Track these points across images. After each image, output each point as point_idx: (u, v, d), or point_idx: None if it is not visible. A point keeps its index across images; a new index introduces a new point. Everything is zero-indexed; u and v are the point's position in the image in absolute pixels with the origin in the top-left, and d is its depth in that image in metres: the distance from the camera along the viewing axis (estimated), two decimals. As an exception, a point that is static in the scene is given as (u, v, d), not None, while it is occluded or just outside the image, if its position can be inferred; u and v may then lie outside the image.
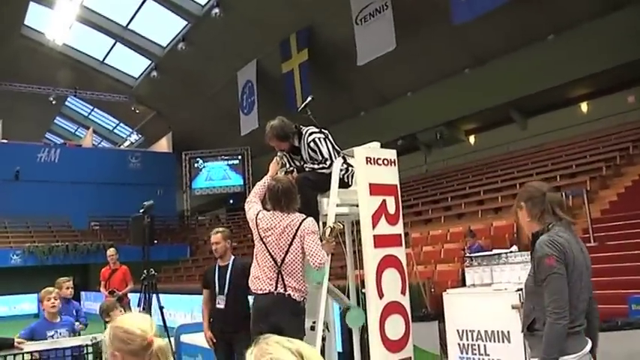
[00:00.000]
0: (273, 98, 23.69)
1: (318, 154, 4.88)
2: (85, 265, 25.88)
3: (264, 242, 4.41)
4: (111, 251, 10.67)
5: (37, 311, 17.56)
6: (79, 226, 30.46)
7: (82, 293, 19.75)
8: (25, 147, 32.13)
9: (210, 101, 28.31)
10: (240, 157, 32.36)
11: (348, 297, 5.39)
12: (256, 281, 4.42)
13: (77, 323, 6.65)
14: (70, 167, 30.71)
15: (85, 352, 5.43)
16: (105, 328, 6.68)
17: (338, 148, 4.97)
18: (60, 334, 5.57)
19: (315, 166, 4.87)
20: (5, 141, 32.03)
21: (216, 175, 32.71)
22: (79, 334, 6.17)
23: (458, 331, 4.92)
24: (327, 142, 4.95)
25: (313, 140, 4.92)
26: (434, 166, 22.52)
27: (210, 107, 28.70)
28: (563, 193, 12.78)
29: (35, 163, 30.83)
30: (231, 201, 34.08)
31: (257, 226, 4.51)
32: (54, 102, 33.34)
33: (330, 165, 4.82)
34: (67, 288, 7.58)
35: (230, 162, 32.67)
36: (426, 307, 8.61)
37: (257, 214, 4.55)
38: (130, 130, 39.37)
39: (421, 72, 20.19)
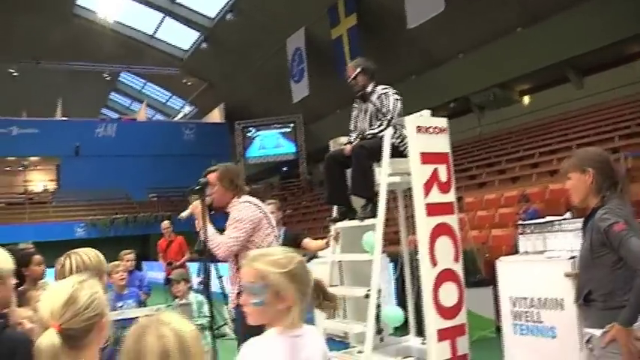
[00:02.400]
0: (323, 65, 23.60)
1: (385, 104, 5.06)
2: (145, 236, 26.58)
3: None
4: (165, 224, 10.96)
5: (103, 282, 18.16)
6: (138, 198, 31.26)
7: (144, 263, 20.29)
8: (83, 123, 33.05)
9: (261, 70, 28.39)
10: (292, 124, 32.41)
11: (402, 264, 5.45)
12: None
13: (141, 293, 6.95)
14: (126, 141, 31.46)
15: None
16: (170, 299, 6.92)
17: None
18: (128, 304, 5.82)
19: (375, 130, 4.95)
20: (65, 118, 32.95)
21: (269, 143, 32.89)
22: (145, 305, 6.42)
23: (511, 298, 4.92)
24: (398, 101, 5.11)
25: (386, 93, 5.15)
26: (487, 128, 22.14)
27: (260, 76, 28.79)
28: (622, 155, 12.47)
29: (94, 138, 31.69)
30: (284, 169, 34.34)
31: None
32: (108, 78, 34.06)
33: (391, 120, 4.90)
34: (128, 260, 7.91)
35: (282, 130, 32.77)
36: (481, 273, 8.58)
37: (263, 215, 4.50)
38: (183, 102, 39.89)
39: (472, 32, 19.75)
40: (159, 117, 42.36)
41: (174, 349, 1.63)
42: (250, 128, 33.00)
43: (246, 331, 4.28)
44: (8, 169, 34.72)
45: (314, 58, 24.57)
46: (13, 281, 2.56)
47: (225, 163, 4.69)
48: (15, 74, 31.41)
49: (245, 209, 4.32)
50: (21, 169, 35.13)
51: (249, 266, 2.25)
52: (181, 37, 31.16)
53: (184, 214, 4.55)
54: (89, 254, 3.05)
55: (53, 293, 1.92)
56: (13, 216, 28.73)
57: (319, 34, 24.12)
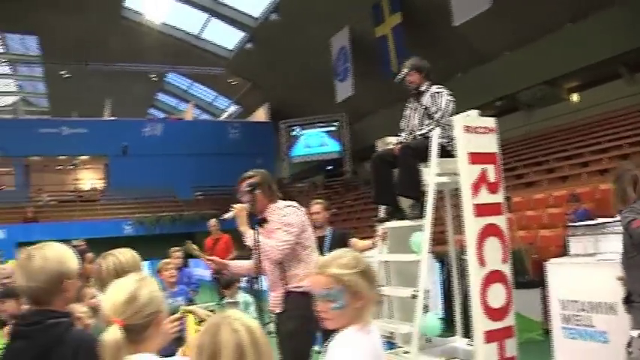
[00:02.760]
0: (367, 64, 23.55)
1: (436, 103, 5.07)
2: (190, 234, 26.85)
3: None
4: (212, 222, 11.11)
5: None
6: (184, 196, 31.66)
7: (190, 261, 20.65)
8: (131, 123, 33.71)
9: (305, 69, 28.46)
10: (337, 123, 32.39)
11: (449, 263, 5.40)
12: None
13: (189, 290, 7.07)
14: (173, 140, 31.95)
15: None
16: (217, 296, 7.05)
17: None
18: (177, 302, 5.92)
19: (424, 130, 4.93)
20: (113, 118, 33.63)
21: (313, 142, 32.92)
22: (193, 302, 6.53)
23: (561, 300, 4.84)
24: (450, 102, 5.11)
25: (439, 92, 5.17)
26: (535, 126, 21.75)
27: (305, 75, 28.87)
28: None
29: (141, 137, 32.27)
30: (328, 167, 34.36)
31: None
32: (155, 78, 34.61)
33: (440, 120, 4.92)
34: (177, 258, 8.05)
35: (327, 129, 32.74)
36: (528, 274, 8.45)
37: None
38: (228, 101, 40.26)
39: (519, 29, 19.42)
40: (205, 116, 42.84)
41: (247, 342, 1.77)
42: (295, 127, 33.08)
43: (285, 336, 4.38)
44: (59, 167, 35.60)
45: (358, 57, 24.51)
46: (79, 282, 2.66)
47: (259, 169, 4.76)
48: (65, 76, 32.18)
49: (293, 214, 4.44)
50: (71, 167, 35.98)
51: (321, 274, 2.35)
52: (227, 37, 31.42)
53: (228, 216, 4.59)
54: (125, 255, 3.20)
55: (115, 291, 2.09)
56: (64, 213, 29.42)
57: (364, 32, 24.05)
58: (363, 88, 24.42)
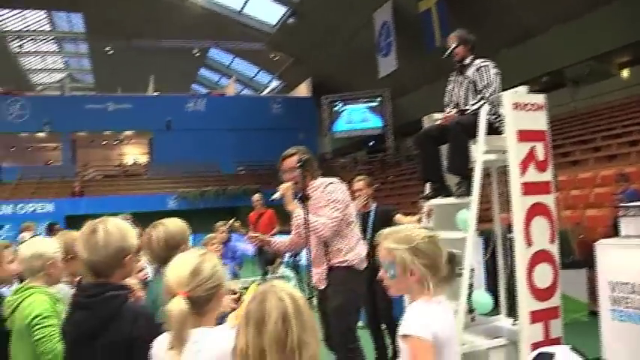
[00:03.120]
0: (411, 38, 23.28)
1: (484, 78, 4.97)
2: (233, 208, 27.15)
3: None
4: (256, 197, 11.18)
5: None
6: (227, 170, 31.97)
7: (232, 235, 20.95)
8: (174, 98, 34.15)
9: (348, 44, 28.28)
10: (379, 98, 32.18)
11: (494, 242, 5.34)
12: None
13: (235, 265, 7.16)
14: (216, 115, 32.25)
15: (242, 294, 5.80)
16: (259, 270, 7.20)
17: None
18: None
19: (474, 107, 4.86)
20: (157, 94, 34.02)
21: (356, 117, 32.80)
22: (238, 276, 6.61)
23: (610, 282, 4.75)
24: (498, 75, 5.00)
25: (485, 66, 5.03)
26: (582, 103, 21.24)
27: (347, 50, 28.69)
28: None
29: (184, 112, 32.65)
30: (371, 143, 34.23)
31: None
32: (198, 54, 34.83)
33: (489, 96, 4.83)
34: (222, 232, 8.16)
35: (369, 104, 32.56)
36: (574, 254, 8.32)
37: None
38: (270, 76, 40.31)
39: (567, 2, 18.92)
40: (247, 92, 43.00)
41: (292, 311, 1.88)
42: (337, 102, 32.98)
43: (331, 310, 4.41)
44: (105, 143, 36.29)
45: (401, 31, 24.24)
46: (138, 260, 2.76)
47: (300, 146, 4.79)
48: (110, 52, 32.60)
49: (338, 190, 4.53)
50: (116, 143, 36.63)
51: (381, 245, 2.55)
52: (269, 13, 31.36)
53: (276, 196, 4.62)
54: (175, 224, 3.27)
55: (179, 264, 2.23)
56: (109, 187, 30.03)
57: (407, 7, 23.75)
58: (405, 64, 24.17)
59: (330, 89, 32.73)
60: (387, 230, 2.61)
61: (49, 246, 3.49)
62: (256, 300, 1.93)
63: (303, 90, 35.33)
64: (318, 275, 4.65)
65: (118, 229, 2.63)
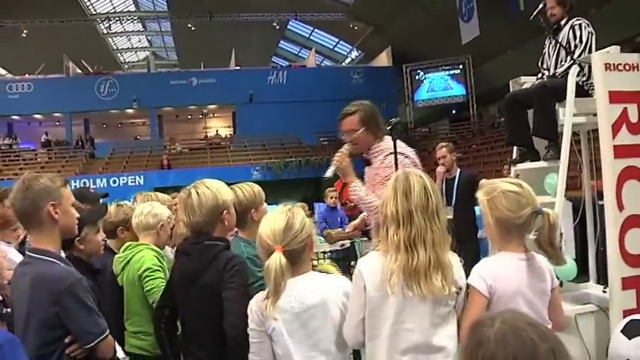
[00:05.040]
0: (493, 2, 22.62)
1: (577, 38, 4.78)
2: (316, 179, 27.35)
3: None
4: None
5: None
6: (309, 141, 32.17)
7: (315, 205, 21.25)
8: (255, 72, 34.55)
9: (428, 11, 27.78)
10: (461, 66, 31.60)
11: (584, 208, 5.21)
12: None
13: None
14: (297, 87, 32.41)
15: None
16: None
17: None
18: None
19: (563, 68, 4.72)
20: (238, 68, 34.52)
21: (437, 85, 32.38)
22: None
23: None
24: (592, 34, 4.80)
25: (580, 24, 4.84)
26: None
27: (427, 17, 28.19)
28: None
29: (265, 85, 32.98)
30: (453, 111, 33.70)
31: None
32: (277, 27, 35.01)
33: (580, 55, 4.68)
34: (331, 197, 8.31)
35: (451, 72, 32.07)
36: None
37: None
38: (350, 47, 40.13)
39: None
40: (327, 63, 43.00)
41: (429, 185, 2.50)
42: (418, 71, 32.60)
43: None
44: (190, 117, 37.22)
45: (483, -5, 23.61)
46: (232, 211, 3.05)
47: (362, 101, 4.21)
48: (192, 29, 33.25)
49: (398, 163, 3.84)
50: (200, 116, 37.48)
51: None
52: (348, -18, 31.17)
53: (329, 173, 4.12)
54: (245, 188, 3.39)
55: (271, 221, 2.48)
56: (195, 160, 30.82)
57: (489, -31, 23.06)
58: (488, 29, 23.56)
59: (411, 58, 32.32)
60: (488, 181, 2.89)
61: (164, 210, 3.86)
62: (401, 177, 2.50)
63: (383, 59, 35.00)
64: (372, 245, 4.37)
65: (210, 190, 2.91)
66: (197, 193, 2.89)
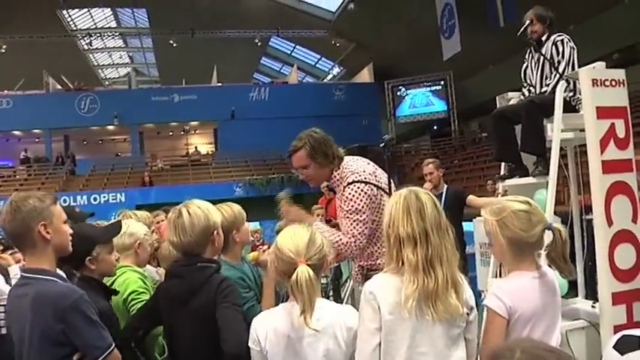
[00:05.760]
0: (474, 18, 22.85)
1: (560, 53, 4.83)
2: (299, 195, 27.24)
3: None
4: (324, 184, 11.16)
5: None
6: (292, 158, 32.13)
7: (298, 222, 21.30)
8: (237, 88, 34.58)
9: (409, 28, 27.99)
10: (442, 82, 31.86)
11: (571, 223, 5.23)
12: None
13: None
14: (279, 104, 32.47)
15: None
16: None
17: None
18: None
19: (550, 85, 4.75)
20: (220, 84, 34.52)
21: (419, 101, 32.59)
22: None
23: None
24: (574, 50, 4.86)
25: (562, 40, 4.89)
26: (657, 80, 20.43)
27: (409, 34, 28.40)
28: None
29: (247, 102, 33.03)
30: (435, 127, 33.90)
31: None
32: (259, 43, 35.08)
33: (564, 69, 4.74)
34: (317, 215, 8.21)
35: (432, 88, 32.31)
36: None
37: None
38: (332, 63, 40.30)
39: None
40: (309, 79, 43.13)
41: (436, 200, 2.49)
42: (400, 87, 32.80)
43: None
44: (171, 133, 37.10)
45: (464, 11, 23.82)
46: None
47: (309, 130, 3.90)
48: (174, 45, 33.24)
49: (357, 195, 3.62)
50: (182, 133, 37.37)
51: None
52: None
53: (282, 224, 3.95)
54: (225, 209, 3.29)
55: (293, 237, 2.47)
56: (177, 177, 30.66)
57: (469, -14, 23.29)
58: (469, 45, 23.76)
59: (393, 74, 32.51)
60: (493, 199, 3.01)
61: (140, 228, 3.72)
62: (411, 196, 2.44)
63: (365, 76, 35.20)
64: (353, 272, 4.16)
65: (201, 210, 2.86)
66: (188, 213, 2.83)
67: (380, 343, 2.35)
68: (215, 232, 2.90)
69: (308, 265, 2.37)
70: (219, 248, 3.02)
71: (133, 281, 3.42)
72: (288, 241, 2.44)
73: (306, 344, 2.37)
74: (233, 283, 2.81)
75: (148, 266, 3.93)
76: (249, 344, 2.45)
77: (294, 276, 2.34)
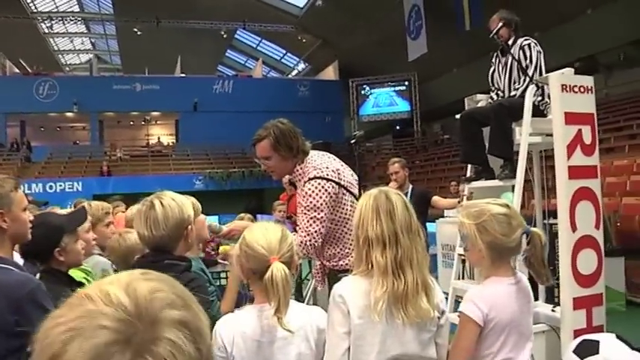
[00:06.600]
0: (441, 20, 22.98)
1: (528, 58, 4.83)
2: (260, 190, 27.19)
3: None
4: (286, 178, 11.09)
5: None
6: (253, 152, 31.97)
7: (258, 217, 21.08)
8: (201, 80, 34.24)
9: (376, 27, 28.02)
10: (407, 82, 32.03)
11: (535, 226, 5.24)
12: None
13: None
14: (242, 97, 32.24)
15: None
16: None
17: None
18: None
19: (519, 89, 4.75)
20: (183, 75, 34.13)
21: (383, 101, 32.74)
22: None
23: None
24: (541, 54, 4.88)
25: (529, 44, 4.90)
26: (615, 90, 20.85)
27: (375, 33, 28.44)
28: None
29: (211, 94, 32.75)
30: (397, 127, 34.07)
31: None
32: (225, 35, 34.78)
33: (532, 77, 4.71)
34: (280, 211, 8.25)
35: (397, 88, 32.48)
36: (611, 242, 8.16)
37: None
38: (297, 59, 40.20)
39: (604, -15, 18.56)
40: (273, 74, 42.94)
41: (407, 201, 2.42)
42: (364, 86, 32.89)
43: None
44: (132, 123, 36.55)
45: (432, 14, 23.95)
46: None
47: (275, 120, 3.76)
48: (138, 33, 32.73)
49: (317, 192, 3.49)
50: (143, 123, 36.87)
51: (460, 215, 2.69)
52: (297, -6, 31.28)
53: (223, 232, 3.73)
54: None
55: (264, 232, 2.32)
56: (137, 167, 30.24)
57: (437, -11, 23.41)
58: (434, 47, 23.90)
59: (358, 72, 32.57)
60: (469, 203, 2.85)
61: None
62: (380, 196, 2.36)
63: (330, 73, 35.20)
64: (314, 270, 4.05)
65: (175, 202, 2.65)
66: (162, 204, 2.60)
67: (349, 348, 2.27)
68: (189, 227, 2.69)
69: (282, 261, 2.23)
70: (192, 244, 2.86)
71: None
72: (260, 237, 2.28)
73: (276, 348, 2.23)
74: (203, 283, 2.68)
75: (99, 257, 3.71)
76: (214, 350, 2.24)
77: (268, 273, 2.17)
